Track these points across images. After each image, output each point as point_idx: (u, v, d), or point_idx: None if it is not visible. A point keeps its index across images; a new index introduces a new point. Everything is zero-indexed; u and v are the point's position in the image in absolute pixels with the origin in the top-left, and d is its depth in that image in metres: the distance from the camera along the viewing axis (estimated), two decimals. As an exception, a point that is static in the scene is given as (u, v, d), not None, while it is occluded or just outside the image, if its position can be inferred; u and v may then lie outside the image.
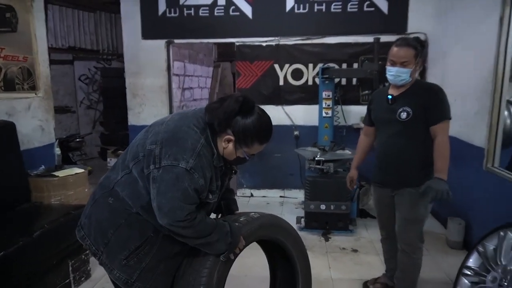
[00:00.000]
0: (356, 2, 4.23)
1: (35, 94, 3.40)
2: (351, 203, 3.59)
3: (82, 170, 3.32)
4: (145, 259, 1.43)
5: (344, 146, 3.86)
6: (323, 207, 3.50)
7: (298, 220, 3.71)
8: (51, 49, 5.75)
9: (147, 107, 4.78)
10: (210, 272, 1.42)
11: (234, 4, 4.39)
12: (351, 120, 4.42)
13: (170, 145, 1.34)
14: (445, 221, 3.38)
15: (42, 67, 3.46)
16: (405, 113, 2.12)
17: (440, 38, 3.92)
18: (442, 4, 3.89)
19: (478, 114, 3.02)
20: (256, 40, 4.46)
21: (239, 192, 4.78)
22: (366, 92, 4.39)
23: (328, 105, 4.00)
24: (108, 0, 6.12)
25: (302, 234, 3.50)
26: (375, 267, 2.89)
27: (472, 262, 2.13)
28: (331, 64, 4.25)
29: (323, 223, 3.56)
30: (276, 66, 4.50)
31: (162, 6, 4.51)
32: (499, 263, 1.95)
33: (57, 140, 3.81)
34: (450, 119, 2.12)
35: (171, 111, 4.77)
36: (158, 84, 4.73)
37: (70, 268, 2.57)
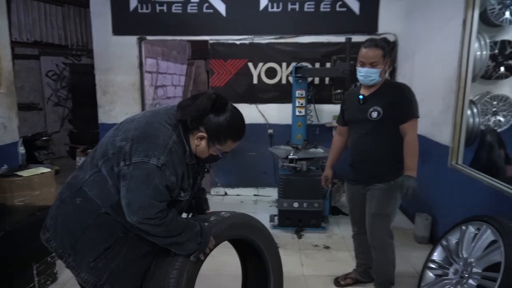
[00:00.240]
0: (329, 2, 4.30)
1: (-3, 90, 3.24)
2: (324, 201, 3.64)
3: (49, 170, 3.21)
4: (115, 260, 1.40)
5: (317, 144, 3.91)
6: (296, 205, 3.54)
7: (272, 218, 3.73)
8: (15, 43, 5.50)
9: (118, 104, 4.66)
10: (179, 273, 1.40)
11: (207, 1, 4.35)
12: (324, 119, 4.49)
13: (141, 141, 1.31)
14: (413, 216, 3.49)
15: (4, 61, 3.30)
16: (376, 113, 2.18)
17: (408, 39, 4.04)
18: (410, 6, 4.01)
19: (443, 113, 3.14)
20: (230, 38, 4.44)
21: (213, 191, 4.76)
22: (339, 91, 4.47)
23: (301, 104, 4.04)
24: (77, -7, 5.93)
25: (276, 232, 3.53)
26: (346, 263, 2.94)
27: (436, 255, 2.22)
28: (304, 63, 4.30)
29: (296, 220, 3.59)
30: (250, 65, 4.50)
31: (133, 2, 4.41)
32: (460, 256, 2.04)
33: (22, 139, 3.64)
34: (418, 117, 2.20)
35: (143, 109, 4.67)
36: (130, 81, 4.62)
37: (35, 272, 2.47)
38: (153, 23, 4.43)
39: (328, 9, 4.31)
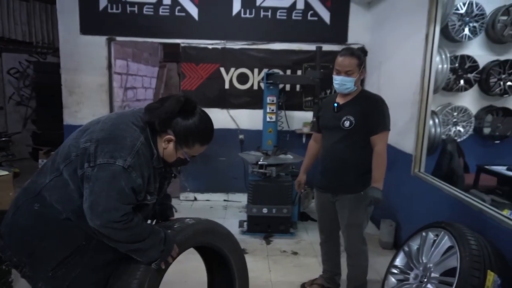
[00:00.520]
0: (301, 11, 4.37)
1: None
2: (293, 207, 3.67)
3: (6, 173, 3.06)
4: (75, 269, 1.34)
5: (287, 150, 3.94)
6: (265, 210, 3.55)
7: (241, 224, 3.72)
8: (-27, 39, 5.23)
9: (85, 106, 4.52)
10: (140, 283, 1.36)
11: (179, 4, 4.32)
12: (294, 125, 4.54)
13: (107, 142, 1.28)
14: (378, 222, 3.59)
15: (-39, 58, 3.12)
16: (348, 122, 2.20)
17: (376, 50, 4.18)
18: (378, 18, 4.16)
19: (408, 123, 3.26)
20: (202, 42, 4.42)
21: (182, 196, 4.69)
22: (309, 98, 4.54)
23: (272, 110, 4.07)
24: (43, -11, 5.71)
25: (245, 238, 3.53)
26: (313, 268, 2.97)
27: (398, 261, 2.29)
28: (276, 70, 4.34)
29: (265, 226, 3.60)
30: (222, 70, 4.49)
31: (103, 1, 4.30)
32: (420, 261, 2.11)
33: (-22, 140, 3.45)
34: (389, 130, 2.22)
35: (111, 111, 4.55)
36: (98, 82, 4.49)
37: (-12, 281, 2.34)
38: (124, 23, 4.34)
39: (300, 18, 4.38)
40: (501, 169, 3.12)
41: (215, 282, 1.95)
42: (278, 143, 4.16)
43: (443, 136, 3.54)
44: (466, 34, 3.46)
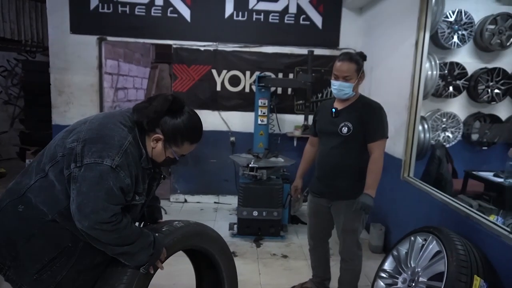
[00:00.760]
0: (293, 15, 4.39)
1: None
2: (283, 210, 3.68)
3: (-8, 173, 2.99)
4: (61, 271, 1.32)
5: (278, 153, 3.95)
6: (255, 213, 3.54)
7: (231, 226, 3.71)
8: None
9: (74, 105, 4.46)
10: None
11: (172, 5, 4.30)
12: (285, 128, 4.55)
13: (94, 142, 1.26)
14: (368, 226, 3.61)
15: None
16: (346, 128, 2.18)
17: (368, 55, 4.16)
18: (370, 23, 4.20)
19: (398, 128, 3.29)
20: (194, 44, 4.41)
21: (173, 198, 4.66)
22: (301, 101, 4.56)
23: (264, 113, 4.08)
24: (33, -13, 5.63)
25: (235, 241, 3.52)
26: (303, 272, 2.98)
27: (387, 265, 2.30)
28: (268, 73, 4.35)
29: (256, 229, 3.60)
30: (214, 72, 4.48)
31: (94, 0, 4.26)
32: (409, 265, 2.13)
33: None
34: (387, 138, 2.20)
35: (101, 111, 4.50)
36: (88, 82, 4.44)
37: (-29, 284, 2.28)
38: (115, 23, 4.31)
39: (292, 21, 4.40)
40: (488, 175, 3.17)
41: (203, 285, 1.94)
42: (269, 146, 4.16)
43: (432, 142, 3.59)
44: (455, 42, 3.53)
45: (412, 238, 2.18)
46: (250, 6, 4.35)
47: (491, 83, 3.61)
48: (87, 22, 4.30)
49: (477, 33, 3.59)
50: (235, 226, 3.67)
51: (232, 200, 4.55)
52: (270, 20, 4.39)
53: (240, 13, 4.36)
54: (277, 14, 4.38)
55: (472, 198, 2.86)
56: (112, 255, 1.34)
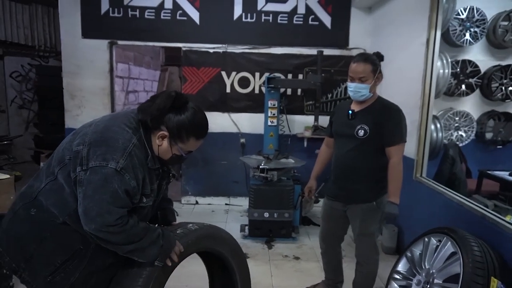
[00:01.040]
0: (302, 16, 4.38)
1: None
2: (294, 211, 3.66)
3: (7, 176, 3.05)
4: (74, 273, 1.33)
5: (288, 155, 3.94)
6: (266, 215, 3.54)
7: (242, 228, 3.71)
8: (-24, 42, 5.25)
9: (86, 109, 4.53)
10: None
11: (181, 8, 4.33)
12: (295, 129, 4.54)
13: (99, 145, 1.27)
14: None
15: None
16: (363, 131, 2.12)
17: (377, 55, 4.17)
18: (379, 23, 4.16)
19: (409, 127, 3.23)
20: (203, 46, 4.43)
21: (184, 200, 4.68)
22: (310, 102, 4.55)
23: (274, 114, 4.07)
24: (45, -7, 5.73)
25: (246, 242, 3.52)
26: (315, 274, 2.96)
27: (401, 266, 2.28)
28: (277, 74, 4.35)
29: (267, 231, 3.59)
30: (223, 73, 4.50)
31: (105, 5, 4.32)
32: (423, 267, 2.10)
33: (-20, 143, 3.45)
34: (405, 142, 2.14)
35: (112, 115, 4.55)
36: (100, 85, 4.51)
37: (-12, 286, 2.33)
38: (125, 27, 4.36)
39: (301, 22, 4.39)
40: (504, 174, 3.11)
41: (216, 287, 1.94)
42: (279, 147, 4.16)
43: (445, 141, 3.53)
44: (467, 39, 3.47)
45: (426, 239, 2.15)
46: (259, 8, 4.36)
47: (505, 81, 3.54)
48: (98, 26, 4.36)
49: (490, 30, 3.53)
50: (246, 227, 3.67)
51: (243, 202, 4.56)
52: (278, 21, 4.39)
53: (249, 15, 4.37)
54: (286, 15, 4.38)
55: (487, 198, 2.81)
56: (123, 254, 1.34)
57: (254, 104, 4.52)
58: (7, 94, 6.36)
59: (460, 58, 3.55)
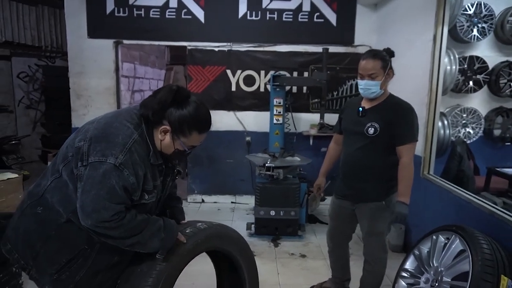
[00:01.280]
0: (307, 13, 4.36)
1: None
2: (300, 209, 3.66)
3: (16, 175, 3.09)
4: (79, 272, 1.34)
5: (294, 152, 3.93)
6: (272, 213, 3.54)
7: (249, 226, 3.71)
8: (-16, 43, 5.29)
9: (92, 109, 4.55)
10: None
11: (186, 7, 4.34)
12: (301, 127, 4.53)
13: (99, 140, 1.27)
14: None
15: (-29, 62, 3.16)
16: (373, 129, 2.09)
17: (383, 52, 4.15)
18: (385, 19, 4.14)
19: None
20: (208, 44, 4.43)
21: (190, 198, 4.69)
22: (316, 100, 4.53)
23: (279, 112, 4.06)
24: (51, -7, 5.77)
25: (252, 240, 3.52)
26: (322, 272, 2.96)
27: (408, 264, 2.26)
28: (282, 72, 4.33)
29: (273, 229, 3.59)
30: (229, 72, 4.50)
31: (110, 5, 4.34)
32: (431, 265, 2.09)
33: (-12, 143, 3.49)
34: (416, 141, 2.10)
35: (118, 114, 4.57)
36: (105, 85, 4.53)
37: (-2, 283, 2.35)
38: (130, 27, 4.37)
39: (306, 20, 4.38)
40: (512, 171, 3.08)
41: (224, 286, 1.95)
42: (285, 145, 4.15)
43: (452, 138, 3.50)
44: (474, 35, 3.44)
45: (434, 236, 2.13)
46: (264, 6, 4.35)
47: (513, 77, 3.50)
48: (103, 26, 4.38)
49: (498, 25, 3.49)
50: (253, 226, 3.67)
51: (249, 200, 4.56)
52: (283, 19, 4.38)
53: (254, 13, 4.36)
54: (291, 13, 4.37)
55: (496, 195, 2.77)
56: (124, 247, 1.34)
57: (259, 102, 4.51)
58: (14, 95, 6.41)
59: (468, 54, 3.51)
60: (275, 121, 4.08)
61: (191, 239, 1.50)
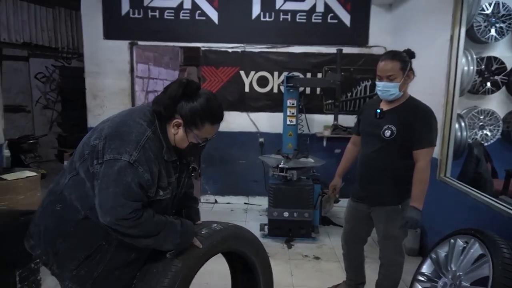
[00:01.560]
0: (320, 14, 4.35)
1: (-18, 91, 3.19)
2: (314, 211, 3.64)
3: (34, 174, 3.15)
4: (97, 268, 1.37)
5: (307, 154, 3.92)
6: (286, 214, 3.53)
7: (262, 227, 3.72)
8: (3, 44, 5.42)
9: (107, 109, 4.61)
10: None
11: (200, 8, 4.37)
12: (314, 128, 4.51)
13: (113, 138, 1.29)
14: (401, 227, 3.51)
15: (-8, 63, 3.24)
16: (389, 131, 2.06)
17: (399, 52, 4.10)
18: (400, 20, 4.09)
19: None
20: (222, 46, 4.45)
21: (203, 199, 4.72)
22: (330, 101, 4.51)
23: (292, 113, 4.05)
24: (67, -4, 5.88)
25: (266, 241, 3.52)
26: (336, 274, 2.94)
27: (425, 268, 2.23)
28: (296, 73, 4.33)
29: (286, 230, 3.58)
30: (242, 73, 4.51)
31: (125, 6, 4.40)
32: (449, 269, 2.05)
33: (7, 141, 3.57)
34: (434, 146, 2.06)
35: (133, 115, 4.62)
36: (120, 86, 4.59)
37: (18, 278, 2.40)
38: (145, 28, 4.42)
39: (320, 21, 4.36)
40: (532, 174, 3.01)
41: (239, 286, 1.95)
42: (298, 146, 4.14)
43: (469, 140, 3.44)
44: (492, 35, 3.37)
45: (452, 240, 2.10)
46: (277, 7, 4.35)
47: (533, 78, 3.42)
48: (119, 27, 4.44)
49: (517, 25, 3.41)
50: (266, 227, 3.67)
51: (262, 201, 4.56)
52: (297, 20, 4.37)
53: (267, 14, 4.37)
54: (305, 14, 4.36)
55: (515, 199, 2.72)
56: (142, 246, 1.37)
57: (272, 103, 4.51)
58: (32, 95, 6.55)
59: (485, 55, 3.45)
60: (288, 122, 4.07)
61: (206, 240, 1.50)
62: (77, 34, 6.53)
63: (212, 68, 4.51)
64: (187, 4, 4.37)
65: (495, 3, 3.35)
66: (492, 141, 3.51)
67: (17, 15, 5.80)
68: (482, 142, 3.45)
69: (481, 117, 3.49)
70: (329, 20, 4.36)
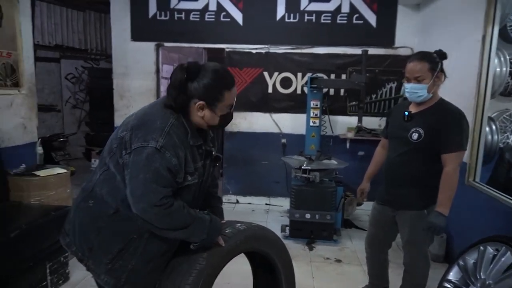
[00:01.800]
0: (346, 15, 4.30)
1: (18, 91, 3.33)
2: (336, 213, 3.60)
3: (64, 171, 3.26)
4: (131, 261, 1.41)
5: (331, 156, 3.88)
6: (308, 216, 3.51)
7: (283, 228, 3.71)
8: (37, 46, 5.65)
9: (134, 109, 4.60)
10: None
11: (225, 10, 4.41)
12: (338, 130, 4.46)
13: (139, 128, 1.34)
14: (426, 233, 3.42)
15: (26, 64, 3.39)
16: (417, 134, 2.01)
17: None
18: (428, 20, 3.99)
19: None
20: (246, 47, 4.48)
21: (225, 198, 4.75)
22: (354, 103, 4.45)
23: (316, 115, 4.03)
24: (97, -1, 6.07)
25: (287, 243, 3.44)
26: (358, 278, 2.90)
27: (452, 275, 2.17)
28: (320, 74, 4.30)
29: (308, 232, 3.56)
30: (266, 74, 4.52)
31: (152, 9, 4.49)
32: (478, 277, 1.99)
33: (40, 139, 3.72)
34: (465, 150, 1.98)
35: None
36: (147, 86, 4.69)
37: (48, 271, 2.51)
38: (171, 30, 4.51)
39: (345, 21, 4.31)
40: None
41: (260, 287, 1.95)
42: (321, 148, 4.11)
43: (500, 144, 3.31)
44: (527, 35, 3.23)
45: (482, 247, 2.03)
46: (302, 7, 4.34)
47: None
48: (146, 29, 4.55)
49: (554, 25, 3.26)
50: (287, 228, 3.66)
51: (283, 202, 4.56)
52: (322, 21, 4.34)
53: (292, 15, 4.36)
54: (329, 14, 4.32)
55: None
56: (171, 237, 1.40)
57: (295, 104, 4.50)
58: (62, 95, 6.81)
59: (519, 55, 3.31)
60: (311, 124, 4.05)
61: (231, 239, 1.51)
62: (105, 36, 6.74)
63: (236, 69, 4.54)
64: (213, 6, 4.43)
65: (530, 2, 3.21)
66: (525, 146, 3.36)
67: (50, 18, 6.05)
68: (515, 146, 3.31)
69: (514, 120, 3.35)
70: (354, 21, 4.31)
